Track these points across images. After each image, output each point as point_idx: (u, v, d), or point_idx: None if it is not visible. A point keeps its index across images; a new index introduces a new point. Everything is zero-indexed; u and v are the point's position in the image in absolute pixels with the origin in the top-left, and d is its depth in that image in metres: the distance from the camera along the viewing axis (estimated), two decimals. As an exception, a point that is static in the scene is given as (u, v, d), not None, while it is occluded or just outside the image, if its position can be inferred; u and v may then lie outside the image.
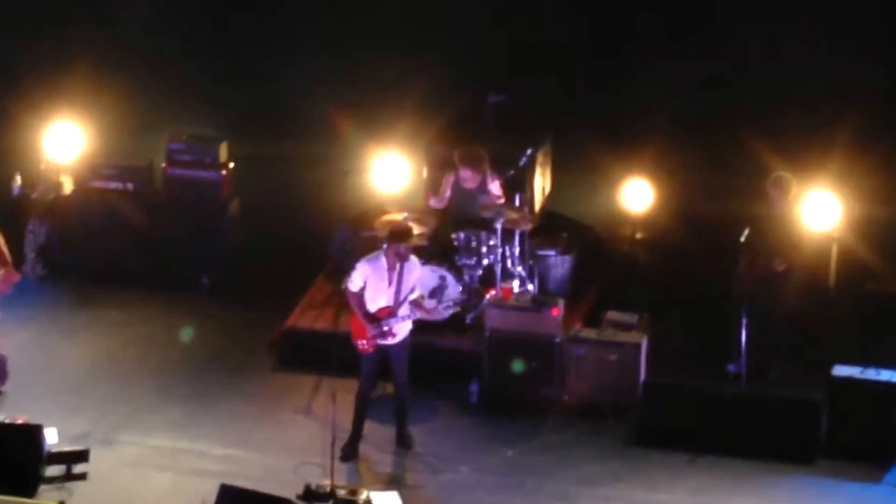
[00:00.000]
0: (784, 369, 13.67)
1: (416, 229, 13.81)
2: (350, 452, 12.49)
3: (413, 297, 12.43)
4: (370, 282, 12.37)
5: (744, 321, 13.25)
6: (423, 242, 13.91)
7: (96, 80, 16.97)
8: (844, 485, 12.33)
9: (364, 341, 12.44)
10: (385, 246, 12.51)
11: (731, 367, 13.49)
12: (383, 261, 12.37)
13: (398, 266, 12.33)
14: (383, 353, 12.52)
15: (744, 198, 13.67)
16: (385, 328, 12.37)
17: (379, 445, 12.64)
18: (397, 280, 12.32)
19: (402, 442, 12.69)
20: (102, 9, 17.67)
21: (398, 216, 14.36)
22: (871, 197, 15.20)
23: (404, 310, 12.40)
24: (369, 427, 12.67)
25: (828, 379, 12.74)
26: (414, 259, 12.51)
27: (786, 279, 13.64)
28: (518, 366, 13.29)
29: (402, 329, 12.46)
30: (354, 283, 12.43)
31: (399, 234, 12.36)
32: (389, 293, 12.37)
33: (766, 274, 13.53)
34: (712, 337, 13.87)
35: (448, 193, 14.61)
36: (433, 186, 15.09)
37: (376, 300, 12.38)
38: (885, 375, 12.69)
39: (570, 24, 16.90)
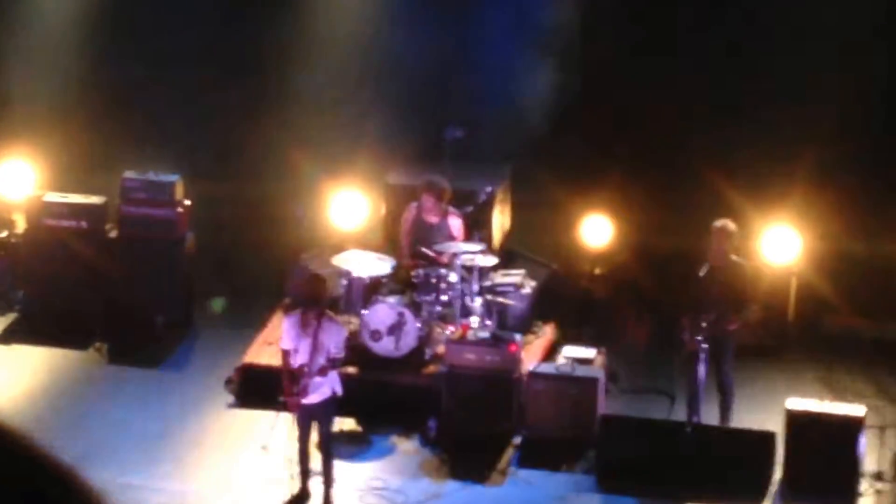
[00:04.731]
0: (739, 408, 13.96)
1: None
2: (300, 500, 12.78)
3: (332, 355, 12.44)
4: (288, 337, 12.59)
5: (697, 376, 13.42)
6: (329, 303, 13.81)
7: (48, 118, 17.11)
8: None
9: (287, 399, 12.54)
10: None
11: (693, 418, 13.71)
12: (300, 317, 12.59)
13: (314, 323, 12.44)
14: (310, 413, 12.62)
15: (703, 233, 13.80)
16: (301, 386, 12.43)
17: (337, 480, 12.82)
18: (313, 337, 12.42)
19: None
20: (52, 47, 17.93)
21: (355, 252, 14.92)
22: (830, 232, 15.57)
23: (317, 369, 12.38)
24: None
25: (784, 412, 13.13)
26: (332, 319, 12.63)
27: (733, 338, 13.59)
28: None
29: (316, 388, 12.47)
30: (283, 340, 12.71)
31: (305, 298, 12.67)
32: (304, 350, 12.45)
33: (713, 332, 13.41)
34: (670, 371, 14.31)
35: (407, 227, 15.16)
36: (392, 223, 15.60)
37: (296, 356, 12.53)
38: (841, 408, 13.14)
39: (528, 58, 17.42)
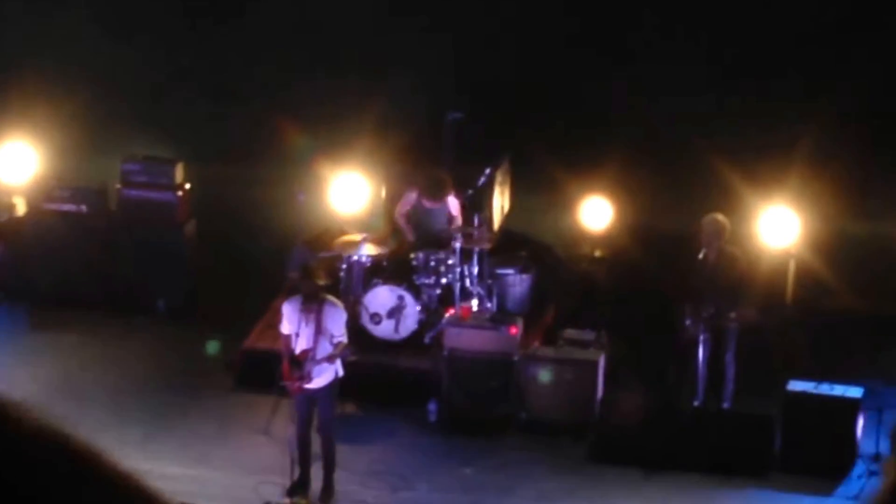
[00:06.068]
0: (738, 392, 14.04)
1: (373, 249, 14.51)
2: (298, 490, 12.76)
3: (335, 341, 12.44)
4: (289, 322, 12.58)
5: (697, 360, 13.61)
6: (328, 282, 13.72)
7: (49, 101, 17.13)
8: (798, 498, 12.89)
9: (288, 384, 12.60)
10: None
11: (693, 402, 13.80)
12: (300, 301, 12.55)
13: (316, 307, 12.46)
14: (311, 398, 12.66)
15: (702, 215, 13.92)
16: (304, 371, 12.44)
17: (338, 464, 12.95)
18: (315, 321, 12.45)
19: (323, 495, 12.75)
20: (52, 29, 18.04)
21: (356, 237, 15.01)
22: (828, 213, 15.66)
23: (322, 354, 12.41)
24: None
25: (783, 394, 13.31)
26: (333, 303, 12.57)
27: (735, 327, 13.68)
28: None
29: (320, 373, 12.48)
30: (283, 324, 12.71)
31: (305, 293, 12.49)
32: (307, 335, 12.47)
33: (715, 324, 13.59)
34: (669, 355, 14.32)
35: (407, 209, 15.23)
36: (392, 207, 15.64)
37: (298, 341, 12.52)
38: (839, 390, 13.30)
39: (529, 44, 17.48)
